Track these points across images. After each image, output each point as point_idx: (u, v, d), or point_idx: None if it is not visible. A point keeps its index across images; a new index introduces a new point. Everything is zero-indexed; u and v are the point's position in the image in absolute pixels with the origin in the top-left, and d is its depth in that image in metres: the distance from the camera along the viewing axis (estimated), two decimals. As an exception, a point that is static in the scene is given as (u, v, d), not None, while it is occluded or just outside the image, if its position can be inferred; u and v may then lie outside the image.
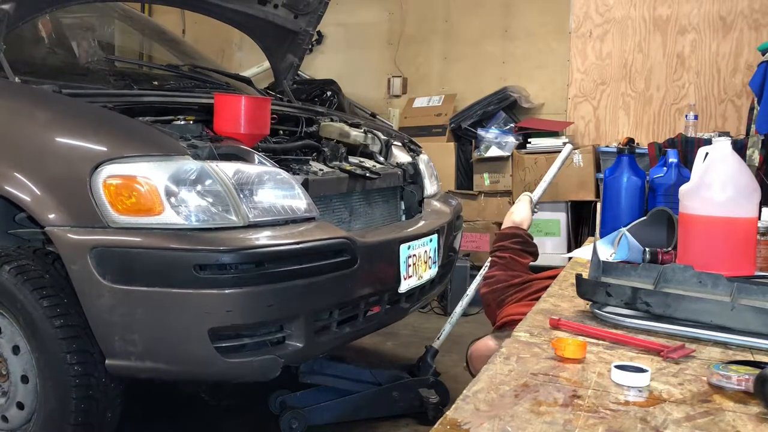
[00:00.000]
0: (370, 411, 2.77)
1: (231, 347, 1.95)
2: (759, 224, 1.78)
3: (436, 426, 0.95)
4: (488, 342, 2.33)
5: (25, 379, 2.10)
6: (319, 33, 5.56)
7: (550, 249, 4.47)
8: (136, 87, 2.65)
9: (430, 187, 3.04)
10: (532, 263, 2.55)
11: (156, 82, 2.88)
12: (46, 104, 2.17)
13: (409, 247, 2.51)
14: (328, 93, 5.37)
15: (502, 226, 2.71)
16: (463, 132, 4.99)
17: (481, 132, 4.86)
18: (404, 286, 2.50)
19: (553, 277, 2.53)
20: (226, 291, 1.91)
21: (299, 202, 2.18)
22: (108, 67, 3.10)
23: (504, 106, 5.02)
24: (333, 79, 5.50)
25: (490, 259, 2.65)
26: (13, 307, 2.06)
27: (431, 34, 5.58)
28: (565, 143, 4.53)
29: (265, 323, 2.00)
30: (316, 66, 5.80)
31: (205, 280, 1.90)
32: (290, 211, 2.15)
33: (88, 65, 3.14)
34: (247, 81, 3.48)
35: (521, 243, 2.63)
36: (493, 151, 4.75)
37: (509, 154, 4.72)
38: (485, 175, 4.83)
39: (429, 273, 2.69)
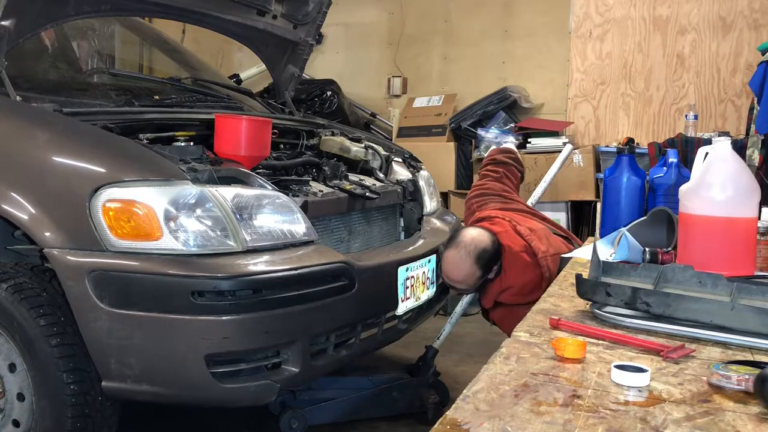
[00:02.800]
0: (370, 411, 2.77)
1: (227, 373, 1.96)
2: (759, 224, 1.78)
3: (436, 426, 0.95)
4: (445, 252, 2.41)
5: (21, 396, 2.09)
6: (319, 33, 5.56)
7: (550, 249, 4.47)
8: (138, 102, 2.63)
9: (429, 204, 3.02)
10: None
11: (157, 96, 2.86)
12: (47, 124, 2.16)
13: (407, 269, 2.51)
14: (328, 93, 5.38)
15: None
16: (463, 132, 4.99)
17: (481, 132, 4.86)
18: (402, 308, 2.50)
19: (538, 217, 2.59)
20: (223, 318, 1.91)
21: (298, 226, 2.18)
22: (109, 81, 3.09)
23: (504, 106, 5.02)
24: (333, 79, 5.52)
25: (480, 173, 2.74)
26: (9, 324, 2.05)
27: (431, 34, 5.58)
28: (565, 143, 4.53)
29: (261, 349, 2.01)
30: (316, 66, 5.80)
31: (202, 307, 1.90)
32: (289, 235, 2.14)
33: (89, 80, 3.13)
34: (249, 93, 3.48)
35: (513, 159, 2.74)
36: (493, 151, 4.75)
37: (509, 154, 4.72)
38: (485, 175, 4.83)
39: (427, 294, 2.68)
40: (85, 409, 2.03)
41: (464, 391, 1.06)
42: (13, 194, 2.05)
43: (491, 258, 2.32)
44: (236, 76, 5.39)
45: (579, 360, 1.20)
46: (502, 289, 2.38)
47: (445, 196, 4.93)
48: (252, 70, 5.59)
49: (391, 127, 5.47)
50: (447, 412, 0.99)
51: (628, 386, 1.09)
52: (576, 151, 4.55)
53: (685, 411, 1.00)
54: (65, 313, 2.02)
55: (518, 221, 2.39)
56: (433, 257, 2.69)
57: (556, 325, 1.40)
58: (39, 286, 2.07)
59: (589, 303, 1.53)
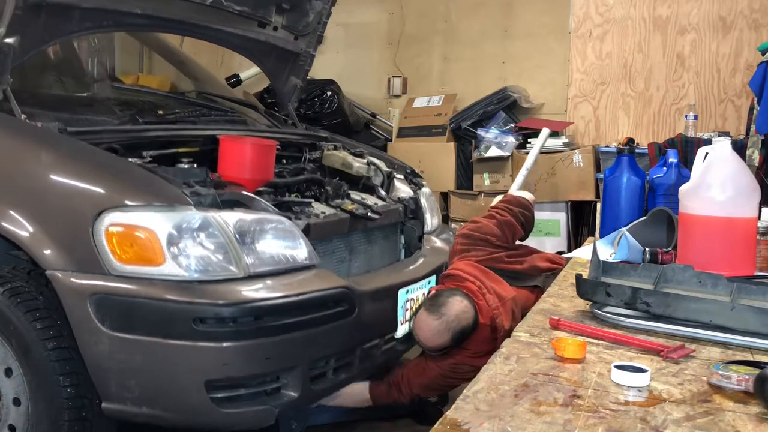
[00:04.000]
0: (370, 411, 2.77)
1: (226, 398, 1.96)
2: (759, 224, 1.78)
3: (436, 426, 0.95)
4: (422, 314, 2.26)
5: (17, 401, 2.08)
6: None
7: (550, 249, 4.47)
8: (141, 117, 2.63)
9: (430, 222, 3.00)
10: None
11: (161, 111, 2.87)
12: (52, 145, 2.16)
13: (407, 292, 2.50)
14: (328, 93, 5.38)
15: (511, 193, 2.76)
16: (463, 132, 4.99)
17: (481, 132, 4.86)
18: (401, 331, 2.49)
19: (519, 256, 2.54)
20: (224, 344, 1.92)
21: (300, 251, 2.17)
22: (113, 96, 3.09)
23: (504, 106, 5.01)
24: (333, 79, 5.52)
25: (488, 210, 2.67)
26: (6, 329, 2.05)
27: (431, 34, 5.58)
28: (564, 143, 4.54)
29: (261, 375, 2.01)
30: (316, 66, 5.73)
31: (204, 333, 1.90)
32: (291, 259, 2.14)
33: (93, 94, 3.12)
34: (252, 106, 3.48)
35: (526, 217, 2.67)
36: (493, 151, 4.75)
37: (509, 154, 4.72)
38: (485, 175, 4.83)
39: None
40: (82, 413, 2.02)
41: (464, 391, 1.06)
42: (16, 216, 2.05)
43: (466, 337, 2.22)
44: (236, 76, 5.39)
45: (579, 360, 1.20)
46: (458, 348, 2.29)
47: (445, 197, 4.93)
48: (252, 70, 5.57)
49: (391, 127, 5.46)
50: (447, 412, 0.99)
51: (628, 386, 1.09)
52: (576, 151, 4.55)
53: (685, 411, 1.00)
54: (61, 317, 2.01)
55: (488, 287, 2.29)
56: (433, 278, 2.68)
57: (556, 325, 1.40)
58: (35, 290, 2.06)
59: (589, 303, 1.53)
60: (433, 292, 2.35)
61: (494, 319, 2.22)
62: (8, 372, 2.09)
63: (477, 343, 2.24)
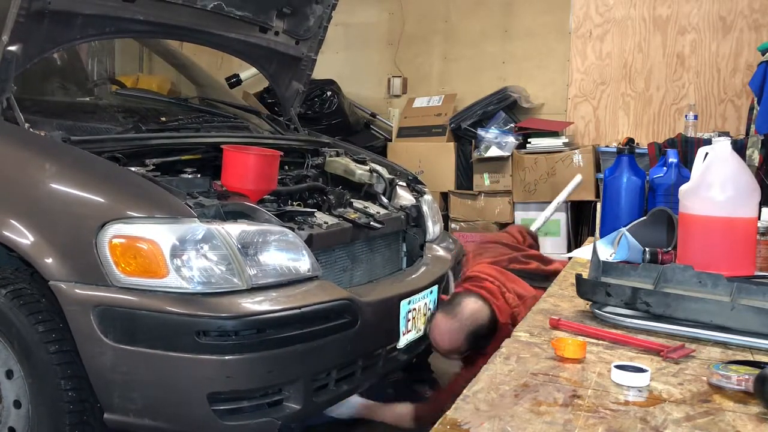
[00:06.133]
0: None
1: (229, 410, 1.96)
2: (759, 224, 1.78)
3: (436, 426, 0.95)
4: (438, 316, 2.26)
5: (17, 404, 2.08)
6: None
7: (550, 249, 4.47)
8: (144, 125, 2.63)
9: (432, 230, 2.99)
10: None
11: (164, 118, 2.87)
12: (56, 156, 2.16)
13: (409, 302, 2.49)
14: (328, 93, 5.38)
15: None
16: (463, 132, 4.99)
17: (481, 132, 4.86)
18: (403, 342, 2.49)
19: (535, 258, 2.55)
20: (227, 357, 1.92)
21: (303, 262, 2.17)
22: (116, 103, 3.09)
23: (504, 106, 5.01)
24: (333, 79, 5.51)
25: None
26: (8, 331, 2.05)
27: (431, 34, 5.58)
28: (564, 143, 4.54)
29: (264, 388, 2.01)
30: (316, 66, 5.77)
31: (206, 347, 1.91)
32: (294, 271, 2.14)
33: (96, 101, 3.12)
34: (256, 113, 3.49)
35: (531, 233, 2.71)
36: (493, 151, 4.75)
37: (509, 154, 4.72)
38: (485, 175, 4.83)
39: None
40: (84, 416, 2.02)
41: (464, 390, 1.06)
42: (20, 227, 2.05)
43: (484, 337, 2.19)
44: (236, 76, 5.39)
45: (579, 360, 1.20)
46: (481, 354, 2.24)
47: (445, 197, 4.93)
48: (251, 70, 5.57)
49: (391, 127, 5.46)
50: (447, 412, 0.99)
51: (628, 386, 1.09)
52: (576, 151, 4.55)
53: (685, 411, 1.00)
54: (64, 320, 2.01)
55: (507, 286, 2.28)
56: (435, 288, 2.68)
57: (556, 325, 1.40)
58: (38, 292, 2.06)
59: (589, 303, 1.53)
60: (450, 296, 2.36)
61: (515, 317, 2.21)
62: (9, 374, 2.09)
63: (499, 342, 2.24)
